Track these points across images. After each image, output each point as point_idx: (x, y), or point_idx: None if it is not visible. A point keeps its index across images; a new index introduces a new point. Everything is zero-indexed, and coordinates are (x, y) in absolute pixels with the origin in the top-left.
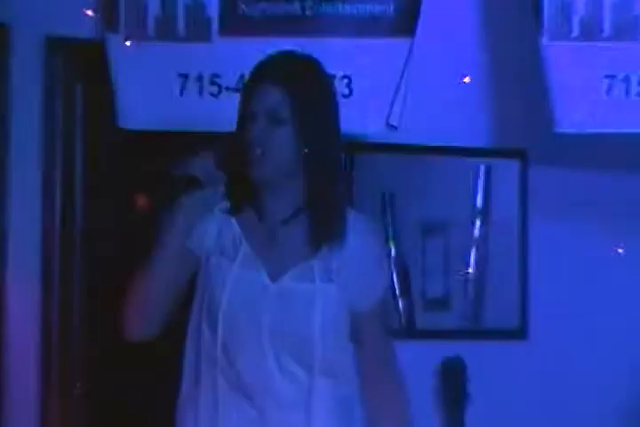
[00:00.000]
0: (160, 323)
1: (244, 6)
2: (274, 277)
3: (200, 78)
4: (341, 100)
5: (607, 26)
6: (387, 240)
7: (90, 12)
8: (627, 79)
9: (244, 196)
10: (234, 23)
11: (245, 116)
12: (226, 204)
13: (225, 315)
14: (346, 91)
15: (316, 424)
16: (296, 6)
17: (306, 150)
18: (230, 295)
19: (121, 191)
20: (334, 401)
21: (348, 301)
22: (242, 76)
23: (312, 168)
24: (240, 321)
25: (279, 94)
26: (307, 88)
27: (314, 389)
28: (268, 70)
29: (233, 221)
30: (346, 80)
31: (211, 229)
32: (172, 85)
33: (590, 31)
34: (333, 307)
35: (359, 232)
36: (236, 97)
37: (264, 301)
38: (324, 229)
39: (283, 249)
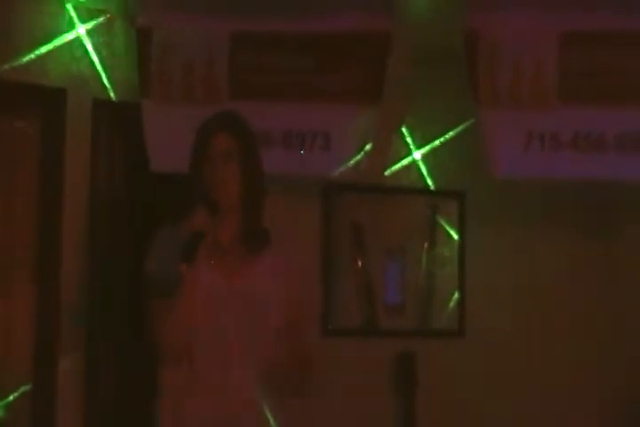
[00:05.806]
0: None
1: (247, 78)
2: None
3: None
4: (321, 150)
5: (526, 97)
6: (355, 259)
7: (129, 82)
8: (541, 137)
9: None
10: (239, 90)
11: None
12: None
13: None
14: (325, 142)
15: None
16: (289, 78)
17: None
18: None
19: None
20: None
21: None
22: None
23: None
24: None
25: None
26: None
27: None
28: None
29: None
30: (325, 135)
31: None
32: (191, 138)
33: (513, 101)
34: (268, 300)
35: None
36: None
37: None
38: (258, 246)
39: (231, 260)
